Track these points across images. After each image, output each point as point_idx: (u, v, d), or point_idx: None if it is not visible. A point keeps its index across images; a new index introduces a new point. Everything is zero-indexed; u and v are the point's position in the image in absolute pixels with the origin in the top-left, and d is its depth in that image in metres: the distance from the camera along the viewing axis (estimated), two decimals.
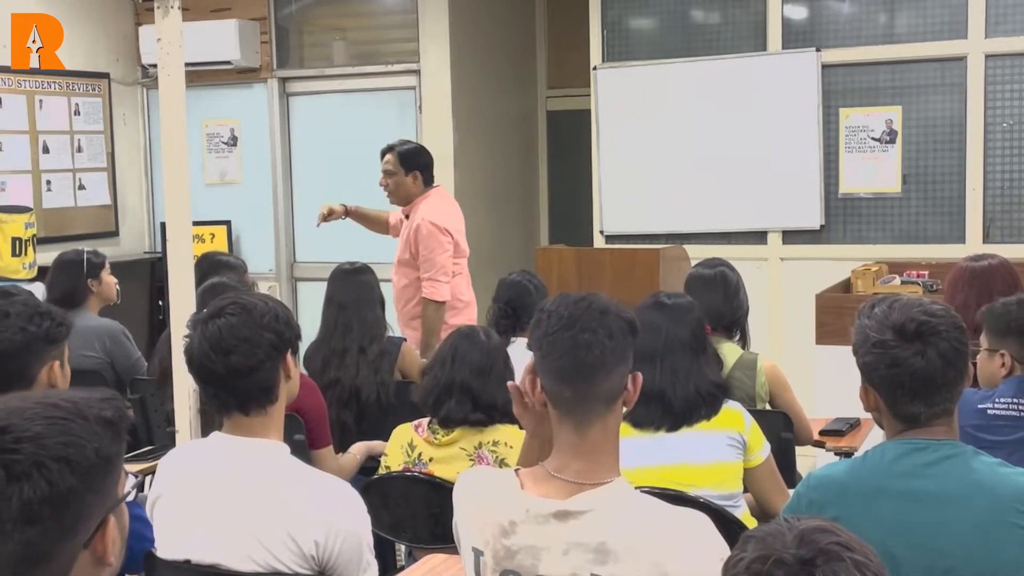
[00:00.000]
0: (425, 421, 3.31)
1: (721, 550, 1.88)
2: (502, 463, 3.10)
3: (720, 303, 3.75)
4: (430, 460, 3.20)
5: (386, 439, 3.78)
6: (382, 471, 3.32)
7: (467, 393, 3.18)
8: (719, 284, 3.81)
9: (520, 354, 4.00)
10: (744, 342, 3.87)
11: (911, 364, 2.07)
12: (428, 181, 5.28)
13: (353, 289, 4.27)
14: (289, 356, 2.43)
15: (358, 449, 3.88)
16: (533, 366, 2.04)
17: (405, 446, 3.26)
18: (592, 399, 1.96)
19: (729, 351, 3.69)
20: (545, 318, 2.00)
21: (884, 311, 2.12)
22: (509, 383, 2.12)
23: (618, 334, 1.99)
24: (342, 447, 3.92)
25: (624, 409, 2.04)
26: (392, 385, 4.20)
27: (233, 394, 2.36)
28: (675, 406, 3.00)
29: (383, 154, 5.30)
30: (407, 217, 5.28)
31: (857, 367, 2.17)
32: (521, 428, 3.20)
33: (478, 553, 2.00)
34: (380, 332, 4.27)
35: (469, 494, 2.08)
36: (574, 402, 1.96)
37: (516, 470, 2.05)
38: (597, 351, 1.95)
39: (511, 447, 3.10)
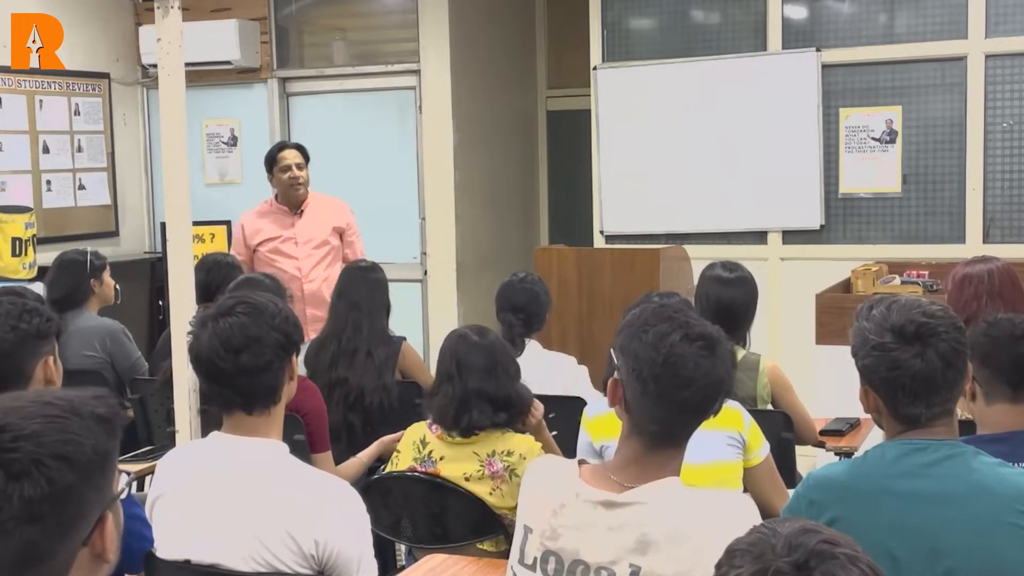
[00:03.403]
0: None
1: None
2: (512, 473, 3.09)
3: (742, 308, 3.75)
4: (440, 458, 3.18)
5: None
6: (391, 466, 3.31)
7: (484, 399, 3.16)
8: (740, 287, 3.79)
9: (534, 357, 3.99)
10: (743, 342, 3.86)
11: (911, 366, 2.07)
12: None
13: (367, 289, 4.26)
14: (294, 357, 2.45)
15: (367, 454, 3.82)
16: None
17: (417, 443, 3.25)
18: (675, 437, 2.01)
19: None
20: (665, 339, 1.95)
21: (882, 313, 2.12)
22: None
23: (721, 395, 2.01)
24: (348, 447, 3.91)
25: None
26: (395, 388, 4.20)
27: (239, 393, 2.37)
28: None
29: (280, 150, 5.44)
30: (294, 209, 5.43)
31: (856, 369, 2.17)
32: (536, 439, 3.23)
33: (528, 530, 2.02)
34: (387, 335, 4.27)
35: (535, 476, 2.11)
36: (655, 430, 1.99)
37: (580, 461, 2.07)
38: (713, 406, 2.01)
39: (524, 458, 3.09)
